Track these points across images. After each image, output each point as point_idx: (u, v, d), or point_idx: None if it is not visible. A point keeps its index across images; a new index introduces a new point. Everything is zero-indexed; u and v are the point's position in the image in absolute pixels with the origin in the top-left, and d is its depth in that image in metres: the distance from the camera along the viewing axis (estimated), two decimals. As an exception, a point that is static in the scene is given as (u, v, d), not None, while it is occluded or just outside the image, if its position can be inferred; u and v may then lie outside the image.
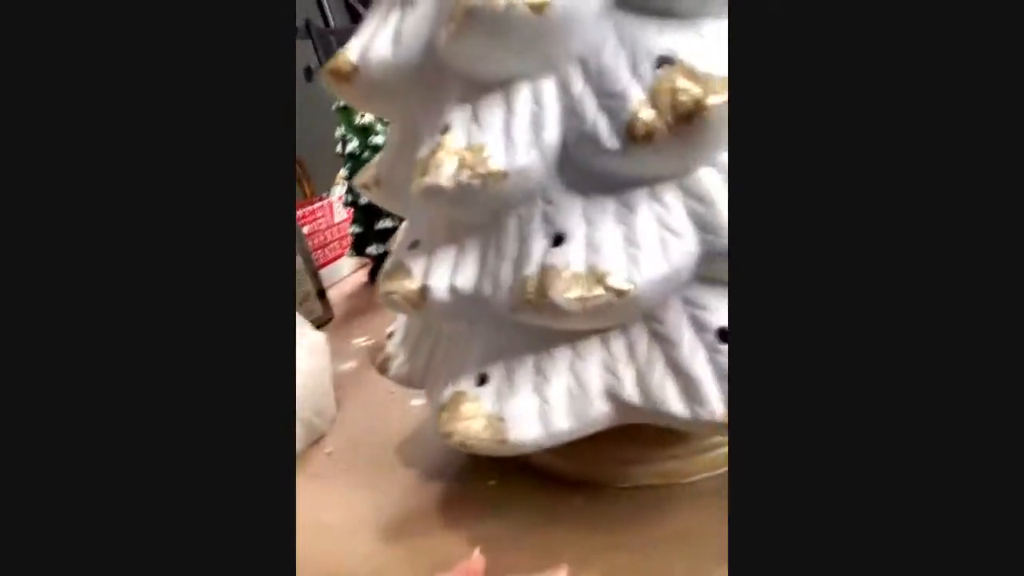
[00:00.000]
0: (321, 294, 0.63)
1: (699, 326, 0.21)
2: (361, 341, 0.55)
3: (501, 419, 0.23)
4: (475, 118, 0.21)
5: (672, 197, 0.21)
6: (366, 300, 0.67)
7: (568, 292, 0.20)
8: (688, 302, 0.21)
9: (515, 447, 0.22)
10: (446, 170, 0.20)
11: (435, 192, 0.21)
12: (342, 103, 0.65)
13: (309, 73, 0.88)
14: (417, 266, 0.25)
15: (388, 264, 0.27)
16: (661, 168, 0.20)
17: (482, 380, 0.24)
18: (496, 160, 0.20)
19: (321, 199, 0.78)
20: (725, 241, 0.20)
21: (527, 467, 0.30)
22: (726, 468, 0.27)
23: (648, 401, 0.22)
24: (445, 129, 0.21)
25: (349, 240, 0.70)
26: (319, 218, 0.75)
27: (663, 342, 0.22)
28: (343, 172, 0.70)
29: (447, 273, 0.24)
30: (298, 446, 0.37)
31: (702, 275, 0.21)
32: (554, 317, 0.20)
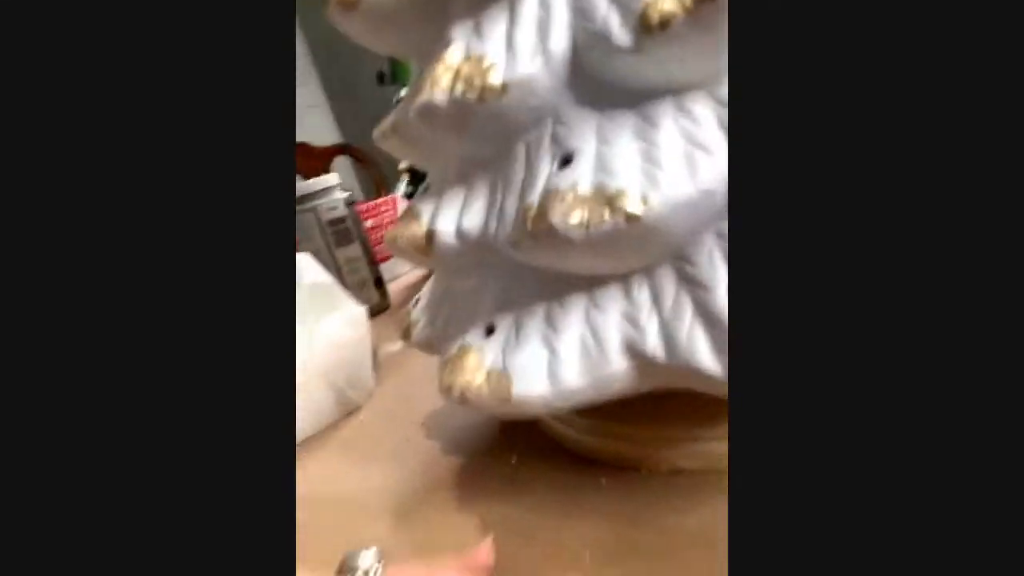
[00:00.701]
0: (378, 283, 0.63)
1: (737, 264, 0.17)
2: (411, 327, 0.54)
3: (505, 373, 0.20)
4: (477, 30, 0.19)
5: (702, 108, 0.17)
6: (424, 292, 0.67)
7: (570, 216, 0.17)
8: (724, 237, 0.18)
9: (519, 404, 0.20)
10: (442, 85, 0.19)
11: (430, 112, 0.19)
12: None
13: (381, 78, 0.90)
14: (426, 210, 0.23)
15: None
16: (684, 69, 0.17)
17: (490, 331, 0.22)
18: (496, 72, 0.18)
19: (386, 195, 0.80)
20: (768, 157, 0.17)
21: (552, 445, 0.27)
22: (783, 454, 0.22)
23: (674, 356, 0.18)
24: (447, 44, 0.20)
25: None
26: (383, 212, 0.76)
27: (693, 286, 0.18)
28: (404, 164, 0.71)
29: (455, 215, 0.22)
30: (331, 417, 0.37)
31: (742, 204, 0.18)
32: (555, 249, 0.17)
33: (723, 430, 0.23)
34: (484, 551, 0.20)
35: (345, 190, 0.62)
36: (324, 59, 1.63)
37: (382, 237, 0.79)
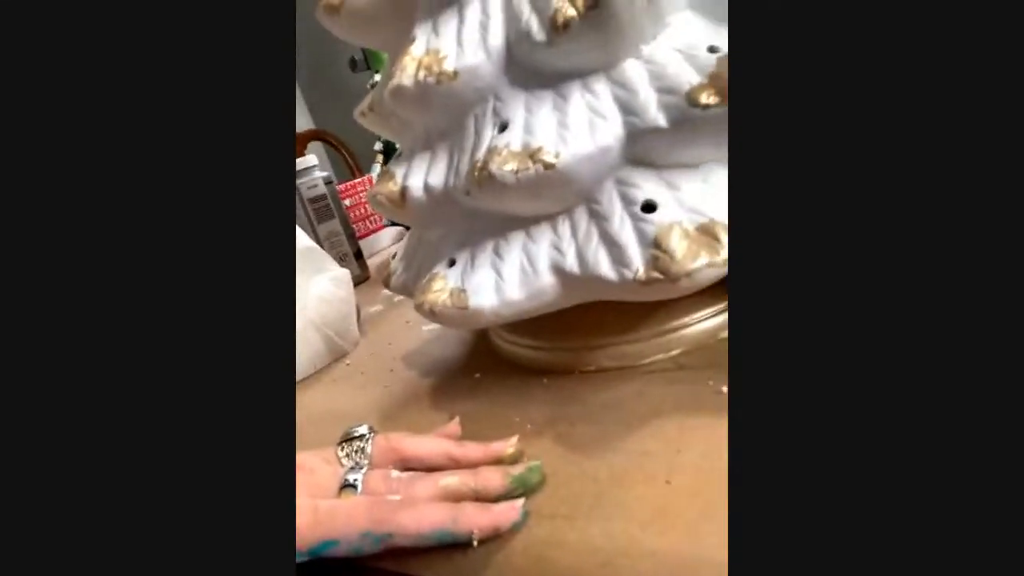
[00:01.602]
0: (358, 255, 0.69)
1: (627, 201, 0.24)
2: (388, 292, 0.61)
3: (463, 290, 0.26)
4: (434, 29, 0.25)
5: (601, 86, 0.24)
6: (400, 264, 0.73)
7: (504, 166, 0.23)
8: (620, 182, 0.24)
9: (475, 313, 0.26)
10: (408, 72, 0.25)
11: (400, 92, 0.25)
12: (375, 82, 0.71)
13: (354, 64, 0.94)
14: (399, 171, 0.29)
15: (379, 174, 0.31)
16: (586, 58, 0.23)
17: (451, 263, 0.28)
18: (449, 61, 0.24)
19: (362, 175, 0.85)
20: (646, 122, 0.23)
21: (507, 363, 0.34)
22: (679, 350, 0.29)
23: (585, 268, 0.25)
24: (412, 41, 0.26)
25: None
26: (360, 192, 0.81)
27: (599, 219, 0.25)
28: (378, 146, 0.77)
29: (422, 174, 0.28)
30: (323, 360, 0.43)
31: (632, 157, 0.24)
32: (494, 191, 0.24)
33: (632, 336, 0.29)
34: (452, 425, 0.27)
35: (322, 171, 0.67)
36: (296, 47, 1.66)
37: (361, 215, 0.85)
